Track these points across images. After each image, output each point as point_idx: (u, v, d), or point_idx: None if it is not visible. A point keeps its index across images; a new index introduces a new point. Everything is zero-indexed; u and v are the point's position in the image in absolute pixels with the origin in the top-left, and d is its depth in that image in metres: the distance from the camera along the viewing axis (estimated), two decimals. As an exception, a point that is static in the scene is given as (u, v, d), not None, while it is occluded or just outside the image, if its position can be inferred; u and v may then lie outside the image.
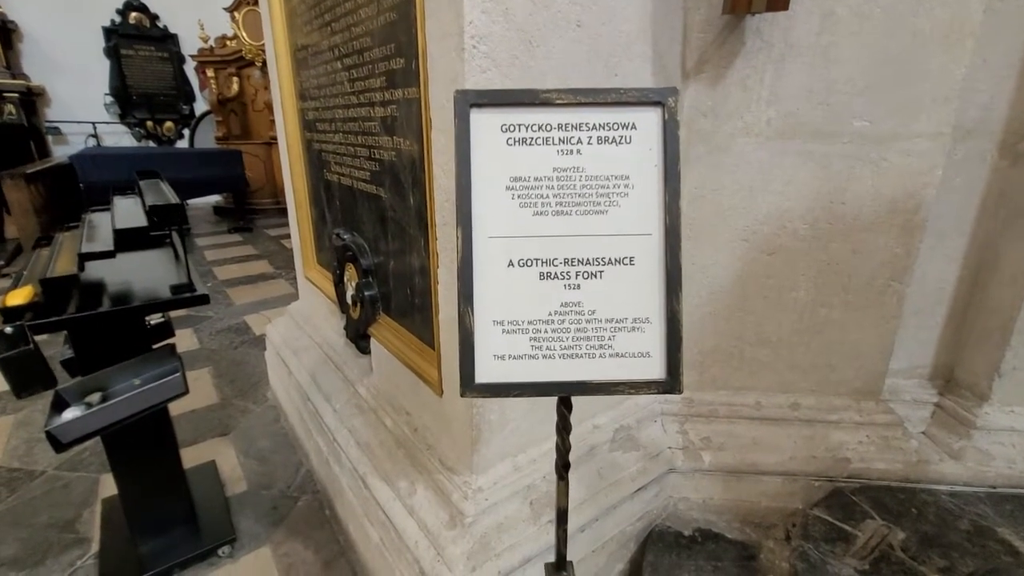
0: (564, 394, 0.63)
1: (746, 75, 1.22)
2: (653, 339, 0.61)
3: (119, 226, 1.11)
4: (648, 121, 0.59)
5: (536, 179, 0.61)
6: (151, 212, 1.10)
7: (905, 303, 1.35)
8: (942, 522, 1.24)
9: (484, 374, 0.61)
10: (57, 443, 1.09)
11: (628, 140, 0.60)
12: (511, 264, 0.61)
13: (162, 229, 1.11)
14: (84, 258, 1.07)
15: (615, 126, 0.60)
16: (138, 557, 1.44)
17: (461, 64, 0.88)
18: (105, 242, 1.14)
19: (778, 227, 1.31)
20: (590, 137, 0.61)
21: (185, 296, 1.15)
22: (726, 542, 1.35)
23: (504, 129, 0.60)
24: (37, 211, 4.21)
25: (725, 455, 1.41)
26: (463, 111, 0.59)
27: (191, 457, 1.94)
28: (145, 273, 1.35)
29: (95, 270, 1.31)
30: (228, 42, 6.68)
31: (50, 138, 6.96)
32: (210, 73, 6.80)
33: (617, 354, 0.61)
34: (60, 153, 6.34)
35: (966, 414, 1.42)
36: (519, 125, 0.60)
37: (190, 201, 7.31)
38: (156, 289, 1.24)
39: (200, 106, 7.80)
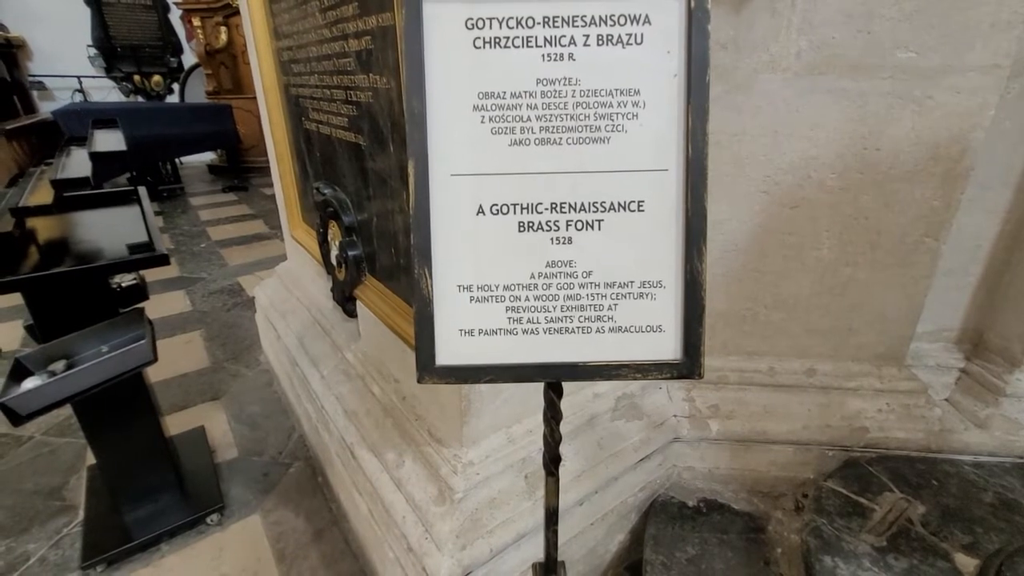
0: (550, 379, 0.49)
1: (775, -3, 1.05)
2: (666, 308, 0.46)
3: (61, 176, 1.00)
4: (666, 13, 0.43)
5: (514, 95, 0.45)
6: (93, 159, 0.98)
7: (939, 261, 1.23)
8: (965, 495, 1.16)
9: (447, 354, 0.47)
10: (15, 416, 1.01)
11: (638, 40, 0.44)
12: (481, 211, 0.46)
13: (105, 178, 0.99)
14: (18, 213, 0.96)
15: (621, 20, 0.43)
16: (124, 526, 1.40)
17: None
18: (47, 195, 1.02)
19: (803, 177, 1.18)
20: (587, 36, 0.44)
21: (143, 256, 1.04)
22: (732, 513, 1.29)
23: (470, 25, 0.44)
24: (22, 168, 4.08)
25: (734, 423, 1.33)
26: (413, 0, 0.43)
27: (180, 422, 1.89)
28: (107, 232, 1.24)
29: (52, 229, 1.20)
30: (213, -12, 6.30)
31: (35, 93, 6.69)
32: (196, 22, 6.45)
33: (619, 328, 0.46)
34: (46, 109, 6.09)
35: (995, 380, 1.33)
36: (491, 20, 0.44)
37: (184, 159, 7.10)
38: (116, 249, 1.13)
39: (189, 59, 7.44)
